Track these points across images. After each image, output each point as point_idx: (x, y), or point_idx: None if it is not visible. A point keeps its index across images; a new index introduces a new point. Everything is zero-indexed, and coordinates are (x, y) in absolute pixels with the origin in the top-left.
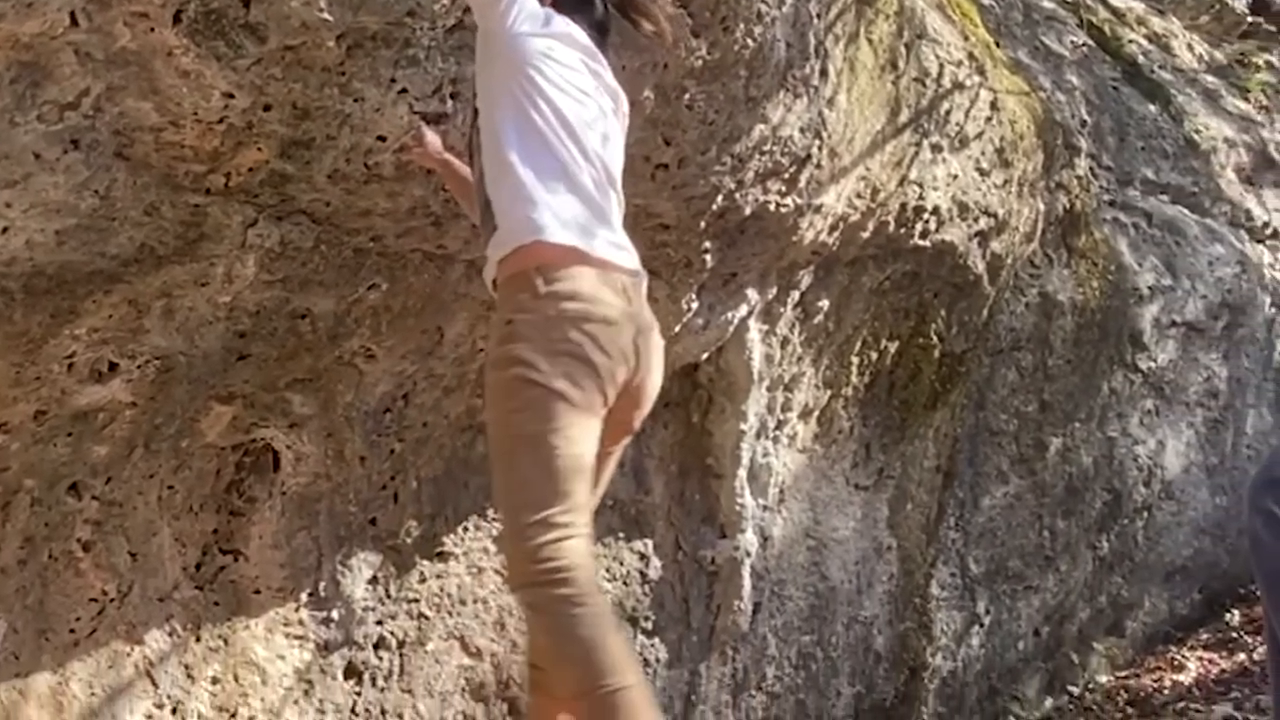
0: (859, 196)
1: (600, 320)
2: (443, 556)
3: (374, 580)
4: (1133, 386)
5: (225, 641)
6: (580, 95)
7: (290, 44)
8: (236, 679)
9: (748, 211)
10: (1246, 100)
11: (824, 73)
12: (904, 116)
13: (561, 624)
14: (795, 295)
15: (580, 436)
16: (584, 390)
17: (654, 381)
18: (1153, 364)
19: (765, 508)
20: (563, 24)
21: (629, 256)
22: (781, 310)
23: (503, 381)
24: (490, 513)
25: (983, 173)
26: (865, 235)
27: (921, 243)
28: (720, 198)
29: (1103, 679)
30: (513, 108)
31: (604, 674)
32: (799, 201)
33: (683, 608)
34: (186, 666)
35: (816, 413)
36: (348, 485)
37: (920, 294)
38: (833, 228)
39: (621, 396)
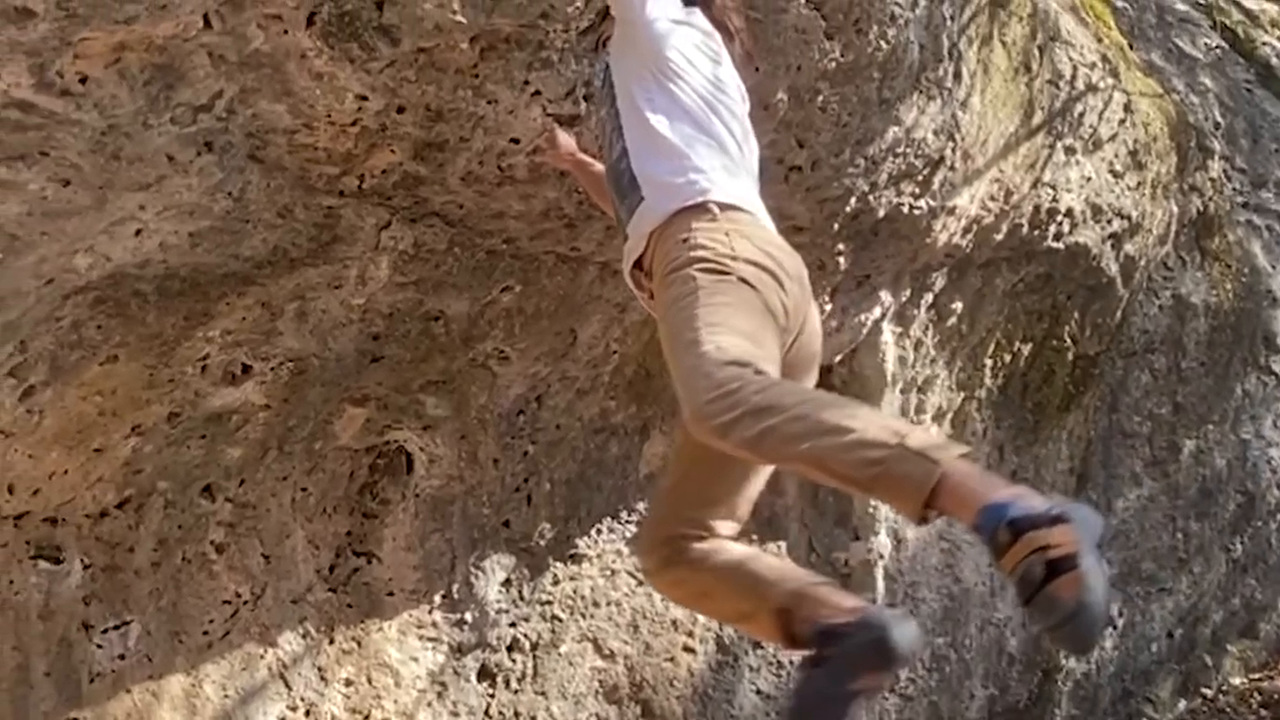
0: (992, 198)
1: (775, 257)
2: (576, 559)
3: (507, 582)
4: (1266, 389)
5: (359, 643)
6: (714, 75)
7: (424, 46)
8: (370, 681)
9: (881, 213)
10: None
11: (957, 75)
12: (1037, 118)
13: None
14: (928, 297)
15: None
16: (766, 293)
17: (816, 348)
18: None
19: None
20: (694, 14)
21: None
22: (915, 312)
23: (685, 279)
24: (624, 515)
25: (1116, 175)
26: (999, 237)
27: (1055, 245)
28: (854, 200)
29: (1236, 681)
30: (656, 86)
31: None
32: (932, 203)
33: None
34: (320, 668)
35: (950, 415)
36: (481, 487)
37: (1054, 296)
38: (966, 229)
39: (786, 352)
